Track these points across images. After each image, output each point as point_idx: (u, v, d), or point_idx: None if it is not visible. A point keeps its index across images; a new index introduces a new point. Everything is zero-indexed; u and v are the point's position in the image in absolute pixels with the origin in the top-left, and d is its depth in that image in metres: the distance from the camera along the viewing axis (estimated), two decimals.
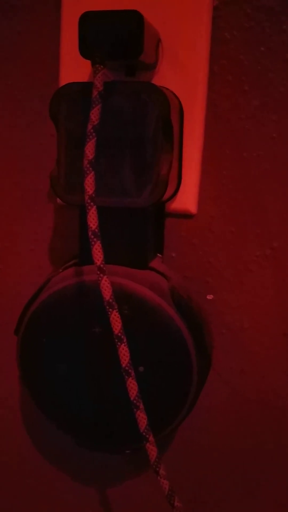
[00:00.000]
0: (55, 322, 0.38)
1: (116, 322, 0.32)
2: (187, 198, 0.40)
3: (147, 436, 0.32)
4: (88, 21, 0.33)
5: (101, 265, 0.32)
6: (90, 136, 0.32)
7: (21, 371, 0.39)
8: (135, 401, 0.32)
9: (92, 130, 0.32)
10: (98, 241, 0.32)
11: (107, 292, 0.31)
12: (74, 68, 0.39)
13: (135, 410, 0.32)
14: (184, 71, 0.38)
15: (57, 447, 0.48)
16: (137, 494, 0.48)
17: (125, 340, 0.32)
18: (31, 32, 0.42)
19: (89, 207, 0.31)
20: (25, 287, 0.45)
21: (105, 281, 0.31)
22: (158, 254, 0.42)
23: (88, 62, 0.37)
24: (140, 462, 0.47)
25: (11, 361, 0.46)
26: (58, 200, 0.43)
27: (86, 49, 0.33)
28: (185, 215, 0.41)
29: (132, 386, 0.32)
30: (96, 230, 0.31)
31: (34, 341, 0.38)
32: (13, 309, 0.45)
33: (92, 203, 0.31)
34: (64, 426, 0.40)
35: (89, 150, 0.31)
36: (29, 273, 0.46)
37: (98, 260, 0.32)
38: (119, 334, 0.32)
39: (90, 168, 0.31)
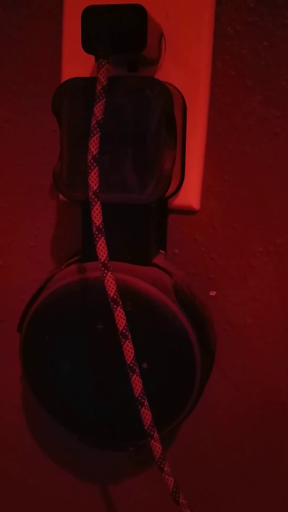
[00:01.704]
0: (58, 319, 0.37)
1: (120, 318, 0.31)
2: (190, 194, 0.40)
3: (152, 433, 0.32)
4: (91, 15, 0.33)
5: (106, 261, 0.31)
6: (94, 131, 0.31)
7: (24, 369, 0.39)
8: (139, 398, 0.32)
9: (96, 125, 0.31)
10: (103, 237, 0.31)
11: (111, 288, 0.31)
12: (76, 63, 0.39)
13: (139, 407, 0.32)
14: (187, 66, 0.38)
15: (59, 444, 0.48)
16: (139, 490, 0.48)
17: (129, 337, 0.32)
18: (33, 27, 0.42)
19: (93, 203, 0.31)
20: (27, 284, 0.45)
21: (110, 277, 0.31)
22: (161, 251, 0.41)
23: (90, 57, 0.36)
24: (142, 458, 0.47)
25: (13, 358, 0.46)
26: (60, 196, 0.43)
27: (89, 43, 0.33)
28: (188, 211, 0.41)
29: (137, 383, 0.32)
30: (101, 226, 0.31)
31: (37, 338, 0.38)
32: (15, 306, 0.45)
33: (96, 199, 0.31)
34: (67, 423, 0.40)
35: (93, 145, 0.31)
36: (31, 269, 0.45)
37: (102, 256, 0.31)
38: (124, 331, 0.31)
39: (94, 164, 0.31)
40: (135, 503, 0.48)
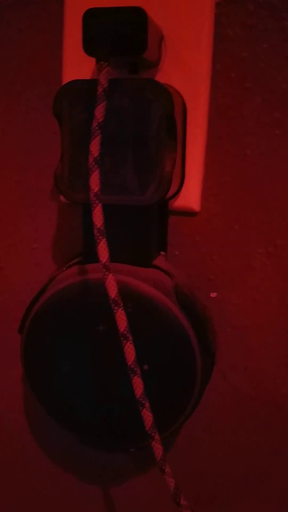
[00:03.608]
0: (59, 320, 0.38)
1: (121, 320, 0.31)
2: (190, 196, 0.40)
3: (153, 434, 0.32)
4: (92, 18, 0.33)
5: (107, 263, 0.31)
6: (95, 134, 0.31)
7: (25, 370, 0.39)
8: (141, 400, 0.32)
9: (97, 127, 0.31)
10: (104, 239, 0.31)
11: (112, 290, 0.31)
12: (77, 65, 0.39)
13: (140, 408, 0.32)
14: (187, 69, 0.38)
15: (60, 445, 0.48)
16: (140, 492, 0.48)
17: (130, 338, 0.32)
18: (33, 29, 0.42)
19: (94, 205, 0.31)
20: (27, 286, 0.45)
21: (111, 279, 0.31)
22: (161, 252, 0.42)
23: (91, 59, 0.37)
24: (142, 460, 0.47)
25: (14, 359, 0.46)
26: (61, 198, 0.43)
27: (90, 46, 0.33)
28: (188, 213, 0.41)
29: (138, 385, 0.32)
30: (102, 228, 0.31)
31: (38, 339, 0.38)
32: (16, 307, 0.45)
33: (97, 201, 0.31)
34: (68, 425, 0.40)
35: (94, 147, 0.31)
36: (31, 271, 0.45)
37: (103, 258, 0.31)
38: (125, 332, 0.32)
39: (96, 166, 0.31)
40: (136, 505, 0.48)
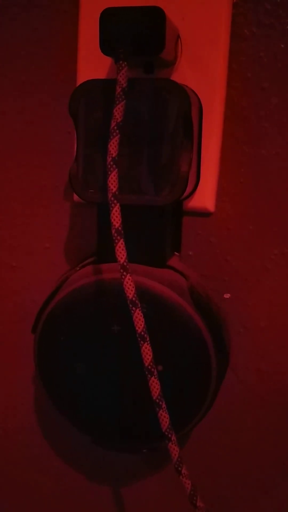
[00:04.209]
0: (73, 320, 0.37)
1: (139, 320, 0.31)
2: (205, 196, 0.40)
3: (170, 435, 0.32)
4: (110, 17, 0.33)
5: (125, 263, 0.31)
6: (114, 134, 0.31)
7: (38, 369, 0.39)
8: (157, 401, 0.32)
9: (115, 127, 0.31)
10: (122, 239, 0.31)
11: (130, 290, 0.31)
12: (92, 64, 0.39)
13: (157, 409, 0.32)
14: (203, 68, 0.38)
15: (72, 445, 0.48)
16: (151, 492, 0.47)
17: (148, 339, 0.32)
18: (48, 28, 0.42)
19: (113, 205, 0.31)
20: (41, 285, 0.45)
21: (129, 279, 0.31)
22: (175, 253, 0.41)
23: (106, 59, 0.37)
24: (155, 461, 0.47)
25: (27, 359, 0.46)
26: (74, 197, 0.43)
27: (108, 45, 0.33)
28: (203, 213, 0.41)
29: (155, 386, 0.32)
30: (120, 228, 0.31)
31: (51, 339, 0.38)
32: (28, 306, 0.45)
33: (115, 201, 0.31)
34: (80, 425, 0.40)
35: (113, 147, 0.31)
36: (44, 271, 0.45)
37: (121, 258, 0.31)
38: (142, 333, 0.31)
39: (114, 166, 0.31)
40: (147, 505, 0.48)
